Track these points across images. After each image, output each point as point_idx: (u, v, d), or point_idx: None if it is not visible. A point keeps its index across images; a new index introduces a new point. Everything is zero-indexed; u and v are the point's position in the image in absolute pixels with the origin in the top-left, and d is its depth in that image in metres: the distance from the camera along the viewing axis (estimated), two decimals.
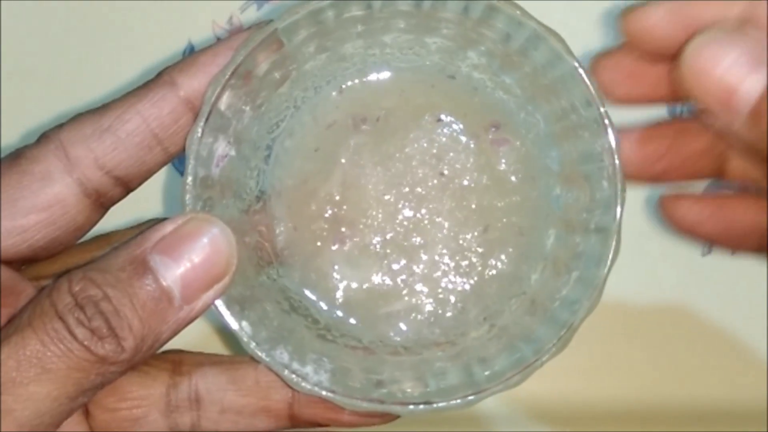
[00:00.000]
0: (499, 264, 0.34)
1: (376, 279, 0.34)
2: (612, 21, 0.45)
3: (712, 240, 0.34)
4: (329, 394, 0.31)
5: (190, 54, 0.32)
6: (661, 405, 0.45)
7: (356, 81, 0.34)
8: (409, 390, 0.31)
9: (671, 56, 0.30)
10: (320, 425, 0.33)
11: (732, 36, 0.28)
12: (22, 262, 0.31)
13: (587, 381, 0.45)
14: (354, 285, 0.34)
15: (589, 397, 0.45)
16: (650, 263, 0.45)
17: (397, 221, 0.34)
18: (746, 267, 0.44)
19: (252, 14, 0.45)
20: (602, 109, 0.30)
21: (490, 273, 0.34)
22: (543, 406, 0.45)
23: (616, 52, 0.32)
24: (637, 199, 0.44)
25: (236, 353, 0.34)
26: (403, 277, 0.34)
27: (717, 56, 0.27)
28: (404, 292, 0.34)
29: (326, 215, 0.34)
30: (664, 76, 0.31)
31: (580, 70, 0.30)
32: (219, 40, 0.31)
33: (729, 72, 0.27)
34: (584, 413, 0.45)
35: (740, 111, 0.27)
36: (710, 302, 0.45)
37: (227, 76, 0.30)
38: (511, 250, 0.34)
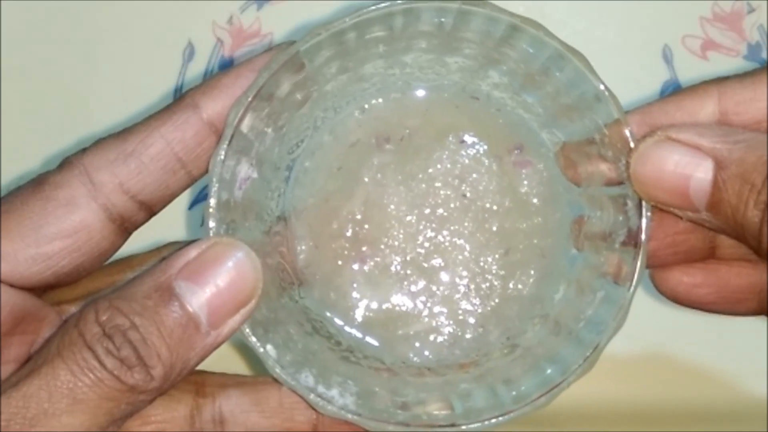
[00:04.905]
0: (520, 286, 0.34)
1: (396, 300, 0.34)
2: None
3: (708, 306, 0.33)
4: (355, 417, 0.31)
5: (212, 76, 0.31)
6: (661, 405, 0.46)
7: (380, 100, 0.34)
8: (434, 412, 0.31)
9: None
10: None
11: (669, 140, 0.30)
12: (45, 289, 0.31)
13: (587, 381, 0.45)
14: (373, 305, 0.34)
15: (589, 397, 0.45)
16: None
17: (418, 242, 0.34)
18: None
19: (252, 14, 0.45)
20: (627, 129, 0.30)
21: (511, 295, 0.34)
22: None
23: None
24: None
25: (255, 370, 0.34)
26: (423, 298, 0.34)
27: (664, 156, 0.29)
28: (424, 313, 0.34)
29: (347, 234, 0.34)
30: None
31: (605, 91, 0.30)
32: (242, 62, 0.31)
33: (679, 167, 0.29)
34: (584, 413, 0.45)
35: (698, 204, 0.29)
36: None
37: (250, 99, 0.30)
38: (532, 272, 0.34)
